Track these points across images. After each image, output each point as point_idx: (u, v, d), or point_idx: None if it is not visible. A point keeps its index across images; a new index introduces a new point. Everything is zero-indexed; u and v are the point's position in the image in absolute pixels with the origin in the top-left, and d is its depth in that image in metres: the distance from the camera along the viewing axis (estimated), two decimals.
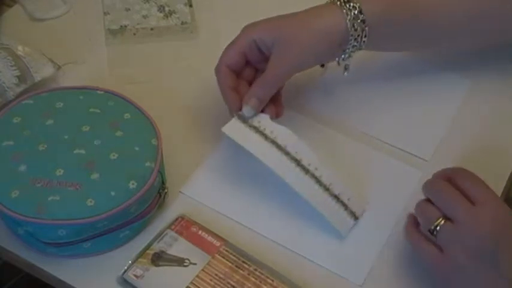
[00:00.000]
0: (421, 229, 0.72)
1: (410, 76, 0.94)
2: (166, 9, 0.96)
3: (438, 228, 0.69)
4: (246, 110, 0.78)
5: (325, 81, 0.91)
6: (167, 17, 0.95)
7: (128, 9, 0.96)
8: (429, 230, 0.70)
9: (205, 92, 0.90)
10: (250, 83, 0.81)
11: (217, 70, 0.81)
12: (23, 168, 0.72)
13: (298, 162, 0.77)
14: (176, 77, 0.91)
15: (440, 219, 0.69)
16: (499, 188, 0.83)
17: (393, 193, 0.81)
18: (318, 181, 0.77)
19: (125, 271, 0.72)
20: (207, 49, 0.95)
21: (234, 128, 0.79)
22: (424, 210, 0.72)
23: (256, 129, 0.78)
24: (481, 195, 0.69)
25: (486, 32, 0.87)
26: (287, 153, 0.77)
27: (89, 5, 0.98)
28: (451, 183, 0.71)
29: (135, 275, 0.72)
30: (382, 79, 0.92)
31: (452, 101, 0.91)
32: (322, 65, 0.85)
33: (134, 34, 0.94)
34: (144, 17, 0.95)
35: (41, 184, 0.71)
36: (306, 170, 0.76)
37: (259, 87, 0.79)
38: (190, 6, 0.97)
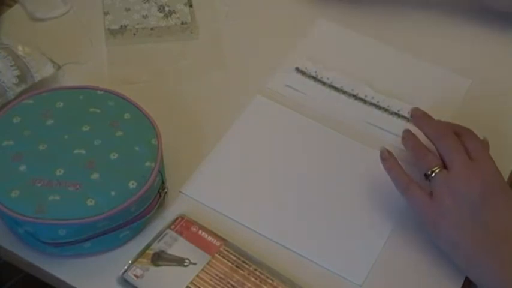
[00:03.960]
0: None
1: (410, 76, 0.94)
2: (166, 9, 0.96)
3: (434, 174, 0.74)
4: None
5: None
6: (167, 17, 0.95)
7: (128, 9, 0.96)
8: (425, 174, 0.75)
9: (205, 92, 0.90)
10: None
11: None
12: (23, 168, 0.72)
13: (355, 97, 0.89)
14: (176, 77, 0.91)
15: (438, 167, 0.75)
16: None
17: (393, 193, 0.81)
18: (377, 106, 0.89)
19: (125, 271, 0.72)
20: (207, 49, 0.95)
21: (294, 80, 0.91)
22: (424, 155, 0.77)
23: (315, 78, 0.90)
24: (480, 157, 0.75)
25: None
26: (345, 92, 0.90)
27: (89, 5, 0.98)
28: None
29: (135, 275, 0.72)
30: (382, 79, 0.92)
31: (452, 101, 0.91)
32: None
33: (134, 34, 0.94)
34: (144, 17, 0.95)
35: (41, 184, 0.71)
36: (364, 101, 0.89)
37: None
38: (190, 6, 0.97)
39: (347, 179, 0.83)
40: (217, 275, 0.72)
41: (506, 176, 0.84)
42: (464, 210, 0.72)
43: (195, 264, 0.73)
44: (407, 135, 0.81)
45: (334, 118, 0.88)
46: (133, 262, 0.73)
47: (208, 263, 0.73)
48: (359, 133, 0.87)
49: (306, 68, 0.92)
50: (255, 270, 0.73)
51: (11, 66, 0.84)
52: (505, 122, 0.90)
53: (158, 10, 0.96)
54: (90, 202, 0.70)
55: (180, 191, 0.80)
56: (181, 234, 0.75)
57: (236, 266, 0.73)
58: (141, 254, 0.74)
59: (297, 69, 0.92)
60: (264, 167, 0.83)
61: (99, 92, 0.80)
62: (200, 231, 0.75)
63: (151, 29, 0.94)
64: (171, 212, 0.78)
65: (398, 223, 0.79)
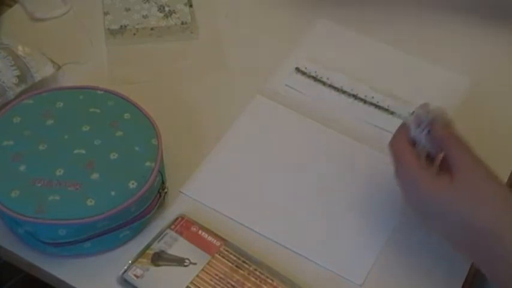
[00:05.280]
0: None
1: (410, 76, 0.94)
2: (166, 9, 0.96)
3: None
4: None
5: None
6: (167, 17, 0.95)
7: (128, 9, 0.96)
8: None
9: (205, 92, 0.90)
10: None
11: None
12: (23, 168, 0.72)
13: (355, 97, 0.89)
14: (176, 77, 0.91)
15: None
16: None
17: (393, 193, 0.81)
18: (377, 106, 0.89)
19: (125, 271, 0.72)
20: (207, 49, 0.95)
21: (294, 80, 0.91)
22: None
23: (315, 78, 0.90)
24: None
25: None
26: (344, 92, 0.89)
27: (89, 5, 0.98)
28: None
29: (135, 275, 0.72)
30: (382, 78, 0.92)
31: (452, 101, 0.91)
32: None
33: (134, 34, 0.94)
34: (144, 17, 0.95)
35: (41, 184, 0.71)
36: (364, 101, 0.89)
37: None
38: (190, 6, 0.97)
39: (347, 178, 0.83)
40: (217, 275, 0.72)
41: (506, 176, 0.84)
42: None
43: (195, 264, 0.73)
44: None
45: (334, 118, 0.88)
46: (133, 262, 0.73)
47: (208, 263, 0.73)
48: (359, 133, 0.87)
49: (306, 68, 0.92)
50: (255, 270, 0.73)
51: (11, 66, 0.84)
52: (504, 122, 0.90)
53: (158, 10, 0.96)
54: (90, 202, 0.70)
55: (180, 191, 0.80)
56: (181, 234, 0.75)
57: (236, 266, 0.73)
58: (141, 254, 0.74)
59: (297, 69, 0.92)
60: (264, 167, 0.83)
61: (99, 92, 0.80)
62: (200, 231, 0.75)
63: (151, 29, 0.94)
64: (171, 212, 0.78)
65: (399, 223, 0.79)
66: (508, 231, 0.66)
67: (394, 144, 0.73)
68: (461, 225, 0.67)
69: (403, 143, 0.72)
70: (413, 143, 0.72)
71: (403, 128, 0.73)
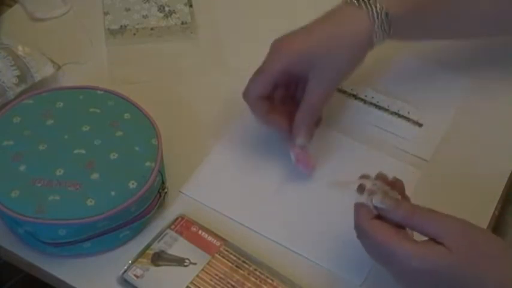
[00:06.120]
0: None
1: (410, 76, 0.94)
2: (166, 9, 0.96)
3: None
4: (300, 141, 0.79)
5: None
6: (167, 17, 0.95)
7: (128, 9, 0.96)
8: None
9: (205, 92, 0.90)
10: (280, 101, 0.81)
11: (251, 103, 0.80)
12: (23, 168, 0.72)
13: (355, 97, 0.90)
14: (176, 77, 0.91)
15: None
16: (498, 188, 0.83)
17: None
18: (377, 106, 0.89)
19: (125, 271, 0.72)
20: (207, 49, 0.95)
21: None
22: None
23: None
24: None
25: None
26: (345, 92, 0.90)
27: (89, 5, 0.98)
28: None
29: (135, 275, 0.72)
30: (382, 79, 0.92)
31: (452, 101, 0.91)
32: None
33: (134, 34, 0.94)
34: (144, 17, 0.95)
35: (41, 184, 0.71)
36: (364, 101, 0.89)
37: (305, 113, 0.79)
38: (190, 6, 0.97)
39: (347, 179, 0.83)
40: (217, 275, 0.72)
41: (506, 176, 0.84)
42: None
43: (195, 264, 0.73)
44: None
45: (334, 118, 0.88)
46: (133, 262, 0.73)
47: (208, 263, 0.73)
48: (359, 133, 0.87)
49: None
50: (255, 270, 0.73)
51: (11, 66, 0.84)
52: (504, 122, 0.90)
53: (158, 10, 0.96)
54: (90, 202, 0.70)
55: (180, 191, 0.80)
56: (181, 234, 0.75)
57: (236, 266, 0.73)
58: (141, 254, 0.74)
59: None
60: (264, 166, 0.83)
61: (99, 92, 0.80)
62: (200, 231, 0.75)
63: (151, 29, 0.94)
64: (171, 212, 0.78)
65: None
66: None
67: (361, 225, 0.67)
68: None
69: (369, 219, 0.67)
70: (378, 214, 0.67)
71: (361, 207, 0.68)
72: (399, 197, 0.68)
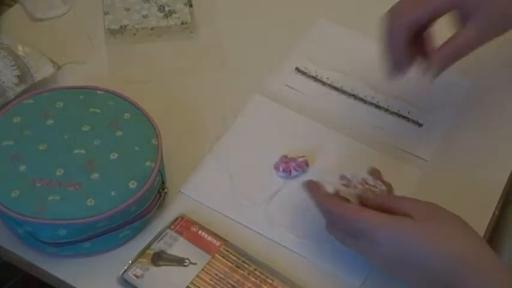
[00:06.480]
0: None
1: (410, 76, 0.94)
2: (166, 9, 0.96)
3: None
4: (433, 72, 0.76)
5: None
6: (167, 17, 0.95)
7: (128, 9, 0.96)
8: None
9: (205, 92, 0.90)
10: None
11: (398, 25, 0.74)
12: (23, 168, 0.72)
13: (355, 97, 0.89)
14: (176, 77, 0.91)
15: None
16: (498, 188, 0.83)
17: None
18: (377, 106, 0.89)
19: (125, 271, 0.72)
20: (207, 49, 0.95)
21: (294, 80, 0.91)
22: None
23: (315, 78, 0.91)
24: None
25: None
26: (344, 92, 0.89)
27: (89, 5, 0.98)
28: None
29: (135, 275, 0.72)
30: (382, 79, 0.92)
31: (452, 101, 0.91)
32: None
33: (134, 34, 0.94)
34: (144, 17, 0.95)
35: (41, 184, 0.71)
36: (364, 101, 0.89)
37: (448, 49, 0.75)
38: (190, 6, 0.97)
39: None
40: (217, 275, 0.72)
41: (506, 176, 0.84)
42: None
43: (195, 264, 0.73)
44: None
45: (334, 118, 0.88)
46: (133, 262, 0.73)
47: (208, 263, 0.73)
48: (359, 133, 0.87)
49: (306, 68, 0.92)
50: (255, 270, 0.73)
51: (11, 66, 0.84)
52: (504, 122, 0.90)
53: (158, 10, 0.96)
54: (90, 202, 0.70)
55: (180, 191, 0.80)
56: (181, 234, 0.75)
57: (236, 266, 0.73)
58: (141, 254, 0.74)
59: (297, 69, 0.92)
60: (263, 166, 0.83)
61: (99, 92, 0.80)
62: (200, 231, 0.75)
63: (151, 29, 0.94)
64: (171, 212, 0.78)
65: None
66: (465, 269, 0.64)
67: (325, 202, 0.71)
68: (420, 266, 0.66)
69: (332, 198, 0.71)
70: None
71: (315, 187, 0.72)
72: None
